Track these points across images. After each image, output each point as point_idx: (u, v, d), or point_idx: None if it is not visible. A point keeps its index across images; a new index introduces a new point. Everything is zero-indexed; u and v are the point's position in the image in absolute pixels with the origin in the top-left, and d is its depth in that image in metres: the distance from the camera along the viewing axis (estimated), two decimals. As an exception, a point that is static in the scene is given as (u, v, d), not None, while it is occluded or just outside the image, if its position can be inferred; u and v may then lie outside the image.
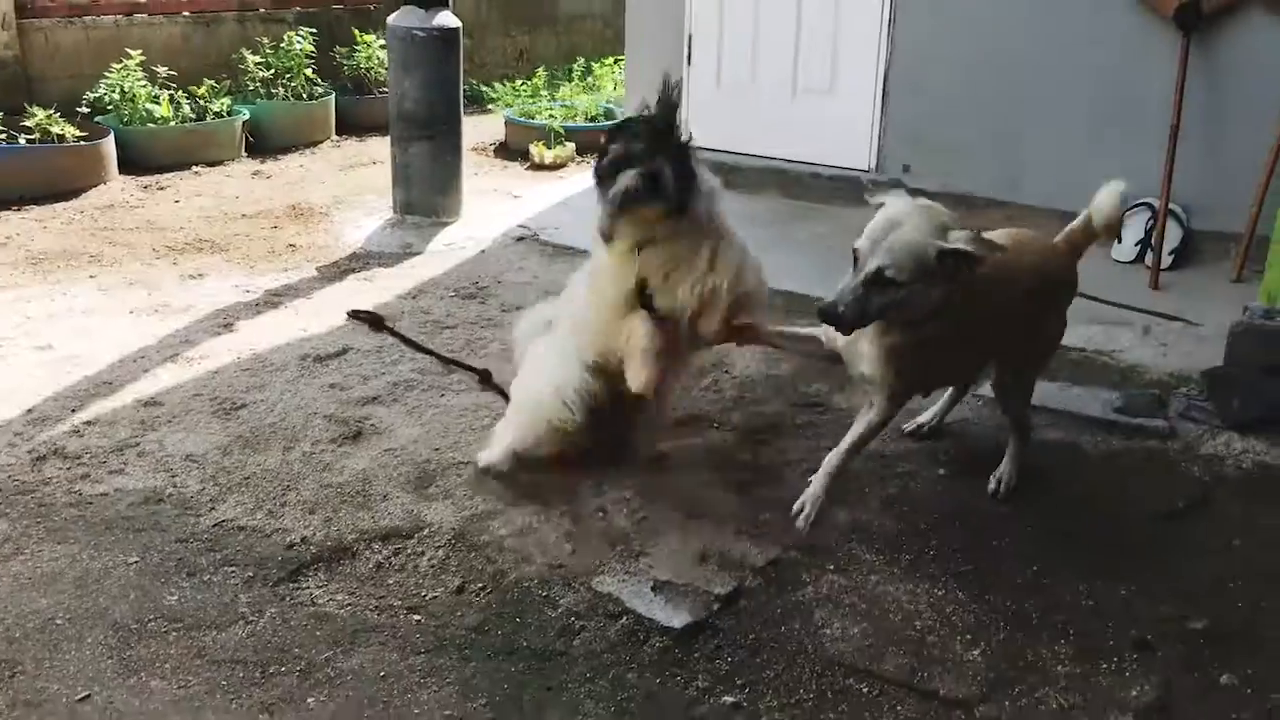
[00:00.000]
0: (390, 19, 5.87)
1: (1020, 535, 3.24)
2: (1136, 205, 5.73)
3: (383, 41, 8.51)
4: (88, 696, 2.52)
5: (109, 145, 6.89)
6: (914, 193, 6.04)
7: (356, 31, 8.83)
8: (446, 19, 5.78)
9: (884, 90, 6.51)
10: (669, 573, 2.99)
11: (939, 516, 3.32)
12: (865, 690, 2.61)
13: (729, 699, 2.57)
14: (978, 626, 2.82)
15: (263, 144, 7.84)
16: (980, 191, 6.28)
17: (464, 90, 6.20)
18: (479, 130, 8.49)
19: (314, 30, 8.43)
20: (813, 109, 6.73)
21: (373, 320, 4.62)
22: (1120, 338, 4.67)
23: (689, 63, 7.09)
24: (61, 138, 6.65)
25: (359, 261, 5.58)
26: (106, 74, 7.27)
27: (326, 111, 8.33)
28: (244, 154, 7.70)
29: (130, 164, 7.07)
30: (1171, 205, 5.54)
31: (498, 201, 6.77)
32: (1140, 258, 5.67)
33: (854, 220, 5.42)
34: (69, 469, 3.49)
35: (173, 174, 7.12)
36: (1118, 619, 2.86)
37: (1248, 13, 5.50)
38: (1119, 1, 5.78)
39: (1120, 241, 5.74)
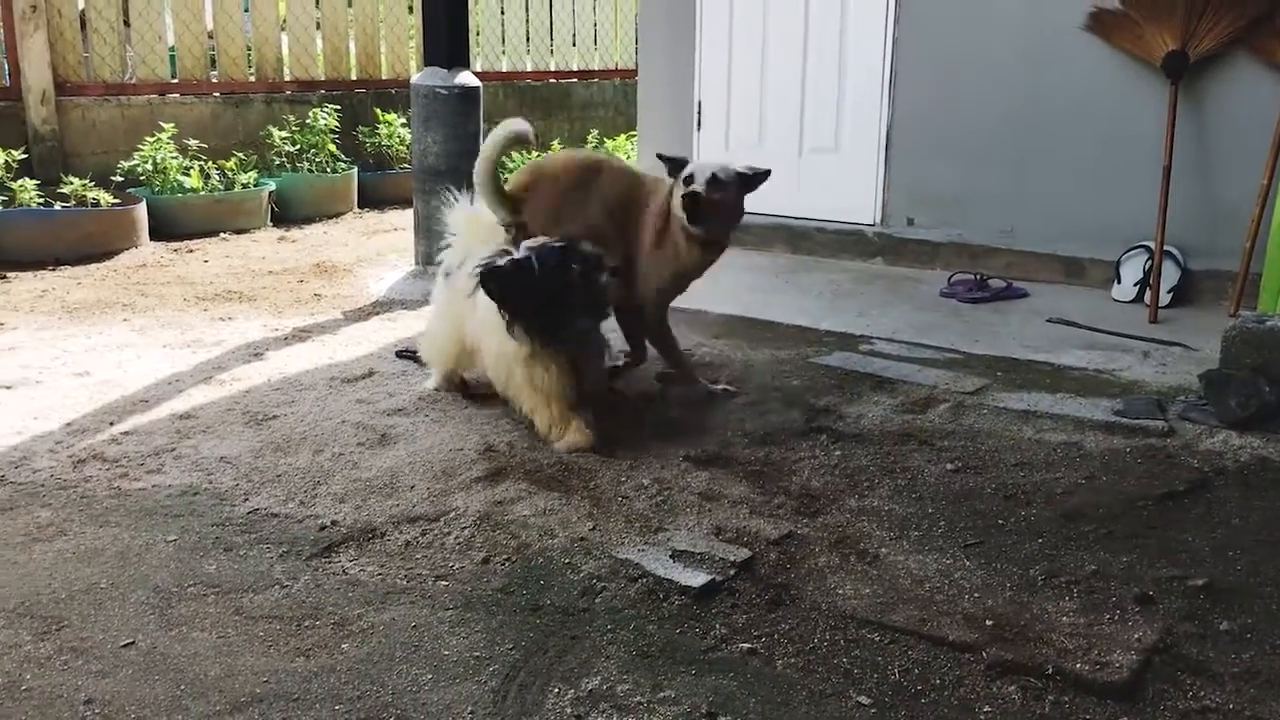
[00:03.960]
0: (414, 78, 6.18)
1: (1026, 517, 3.34)
2: (1135, 248, 5.93)
3: (404, 120, 8.89)
4: (131, 643, 2.63)
5: (141, 211, 7.18)
6: (919, 243, 6.31)
7: (378, 111, 9.21)
8: (467, 78, 6.09)
9: (887, 147, 6.78)
10: (686, 544, 3.10)
11: (947, 503, 3.44)
12: (876, 639, 2.70)
13: (745, 646, 2.66)
14: (984, 587, 2.92)
15: (287, 214, 8.15)
16: (982, 241, 6.49)
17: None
18: (496, 202, 8.76)
19: (338, 108, 8.78)
20: (819, 167, 6.99)
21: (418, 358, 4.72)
22: (1120, 360, 4.82)
23: (699, 127, 7.39)
24: (96, 203, 6.94)
25: (382, 307, 5.79)
26: (140, 147, 7.59)
27: (349, 185, 8.66)
28: (269, 223, 8.00)
29: (161, 231, 7.36)
30: (1168, 246, 5.73)
31: (515, 259, 7.00)
32: (1139, 298, 5.83)
33: (859, 270, 5.76)
34: (108, 470, 3.64)
35: (201, 240, 7.41)
36: (1120, 579, 2.95)
37: (1233, 60, 5.77)
38: (1109, 53, 6.06)
39: (1120, 282, 5.92)
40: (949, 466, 3.70)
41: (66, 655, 2.58)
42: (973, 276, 6.12)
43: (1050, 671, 2.53)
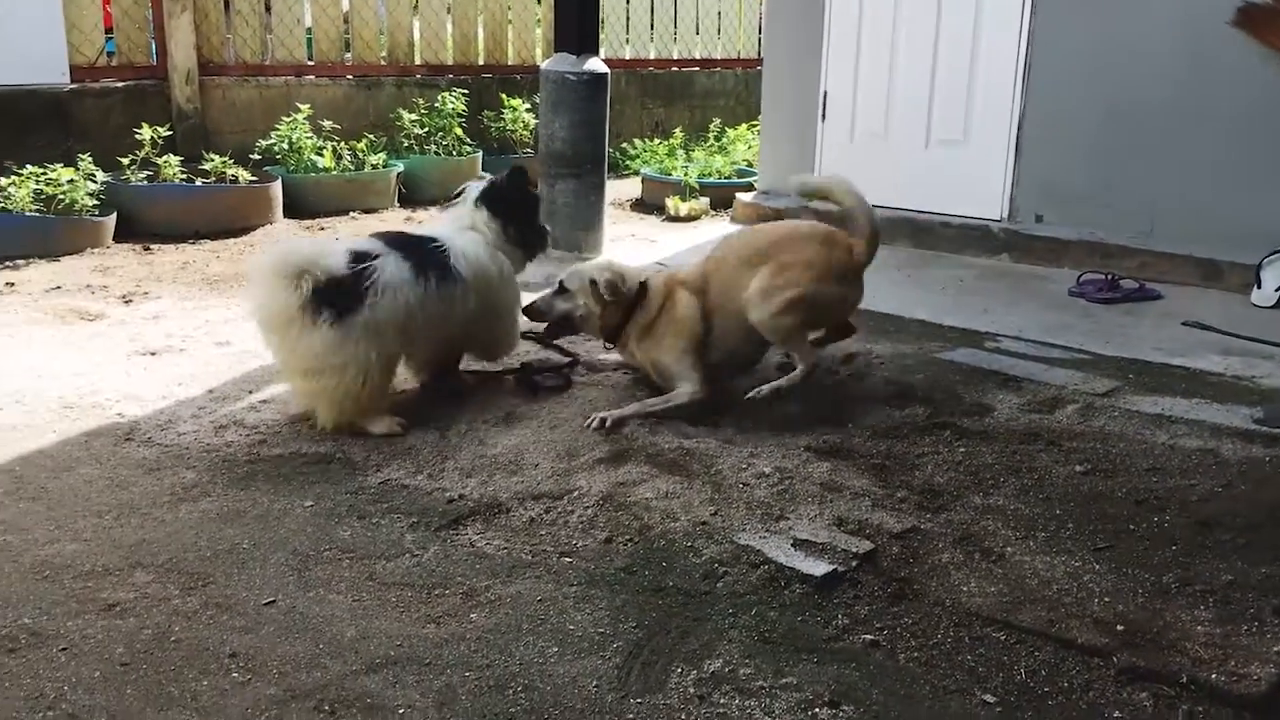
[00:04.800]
0: (544, 64, 6.27)
1: (1159, 522, 3.26)
2: (1277, 252, 5.71)
3: (528, 106, 9.01)
4: (273, 602, 2.74)
5: (276, 189, 7.42)
6: (1048, 240, 6.16)
7: (504, 96, 9.34)
8: (596, 65, 6.15)
9: (1018, 141, 6.65)
10: (808, 533, 3.10)
11: (1075, 504, 3.37)
12: (1002, 638, 2.67)
13: (867, 637, 2.66)
14: (1115, 592, 2.86)
15: (414, 195, 8.33)
16: (1115, 240, 6.32)
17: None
18: (616, 190, 8.84)
19: (465, 92, 8.94)
20: (945, 160, 6.89)
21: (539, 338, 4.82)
22: (1259, 366, 4.66)
23: (823, 118, 7.34)
24: (235, 180, 7.19)
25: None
26: (276, 127, 7.84)
27: (474, 168, 8.79)
28: (396, 204, 8.19)
29: (293, 209, 7.59)
30: (1315, 250, 5.51)
31: (635, 245, 7.06)
32: (1280, 303, 5.62)
33: (984, 267, 5.62)
34: (247, 436, 3.79)
35: (331, 218, 7.62)
36: (1258, 590, 2.87)
37: (1390, 58, 5.50)
38: (1257, 47, 5.83)
39: (1260, 287, 5.71)
40: (1078, 468, 3.63)
41: (212, 610, 2.70)
42: (1103, 276, 5.96)
43: (1184, 680, 2.47)
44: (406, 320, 3.74)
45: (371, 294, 3.64)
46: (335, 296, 3.61)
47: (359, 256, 3.71)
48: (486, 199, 4.16)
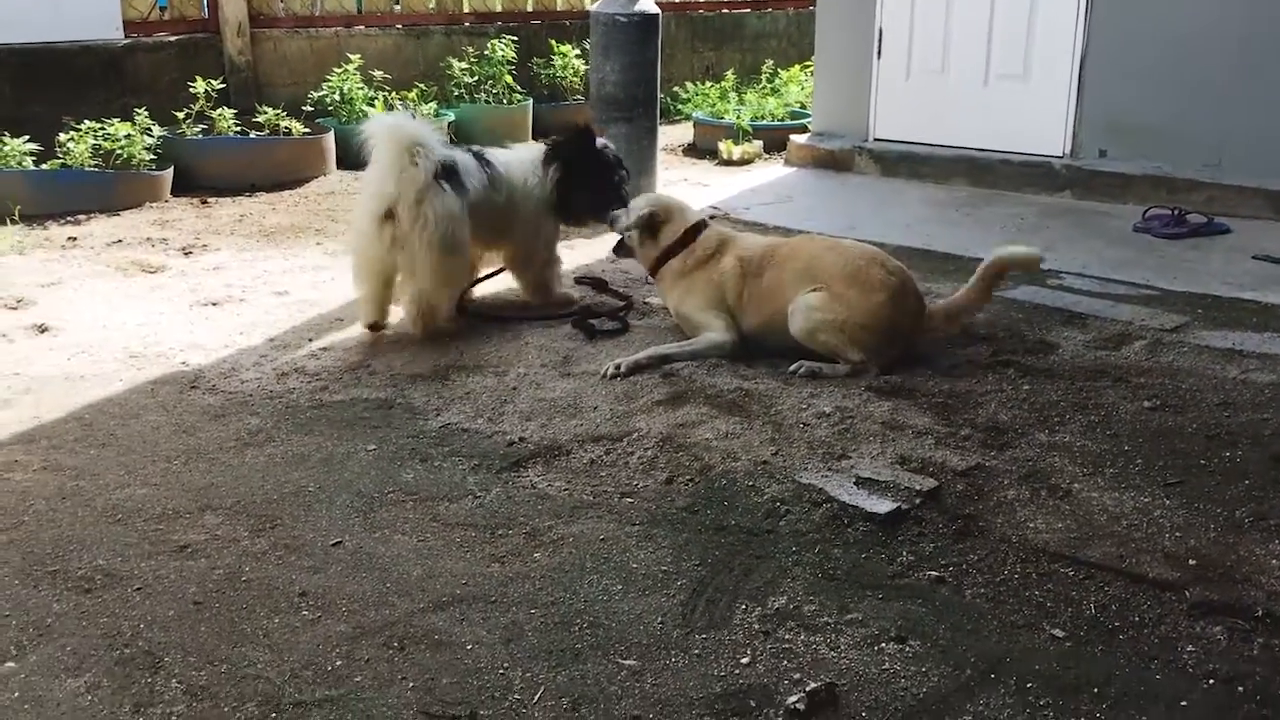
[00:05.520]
0: (593, 6, 6.19)
1: (1231, 458, 3.19)
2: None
3: (578, 52, 8.93)
4: (339, 543, 2.78)
5: (329, 141, 7.43)
6: (1111, 176, 6.07)
7: (553, 43, 9.26)
8: (647, 5, 6.06)
9: (1080, 73, 6.48)
10: (870, 472, 3.08)
11: (1144, 440, 3.31)
12: (1070, 573, 2.64)
13: (933, 573, 2.64)
14: (1186, 526, 2.82)
15: (466, 145, 8.29)
16: (1180, 173, 6.17)
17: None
18: (668, 135, 8.74)
19: (515, 40, 8.88)
20: (1005, 96, 6.74)
21: (595, 283, 4.90)
22: (1335, 300, 4.53)
23: (879, 56, 7.20)
24: (289, 132, 7.21)
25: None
26: (328, 78, 7.84)
27: (525, 116, 8.76)
28: (449, 153, 8.16)
29: (347, 160, 7.56)
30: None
31: (689, 189, 6.99)
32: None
33: (1045, 204, 5.46)
34: (309, 383, 3.82)
35: (385, 168, 7.60)
36: (1336, 526, 2.81)
37: None
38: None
39: (1333, 219, 5.55)
40: (1146, 404, 3.56)
41: (281, 551, 2.74)
42: (1169, 211, 5.81)
43: (1260, 614, 2.43)
44: (480, 203, 4.23)
45: (464, 176, 4.15)
46: (444, 175, 4.06)
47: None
48: (547, 153, 4.50)
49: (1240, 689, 2.22)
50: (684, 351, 3.93)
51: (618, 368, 3.81)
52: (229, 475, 3.14)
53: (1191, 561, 2.64)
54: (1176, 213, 5.79)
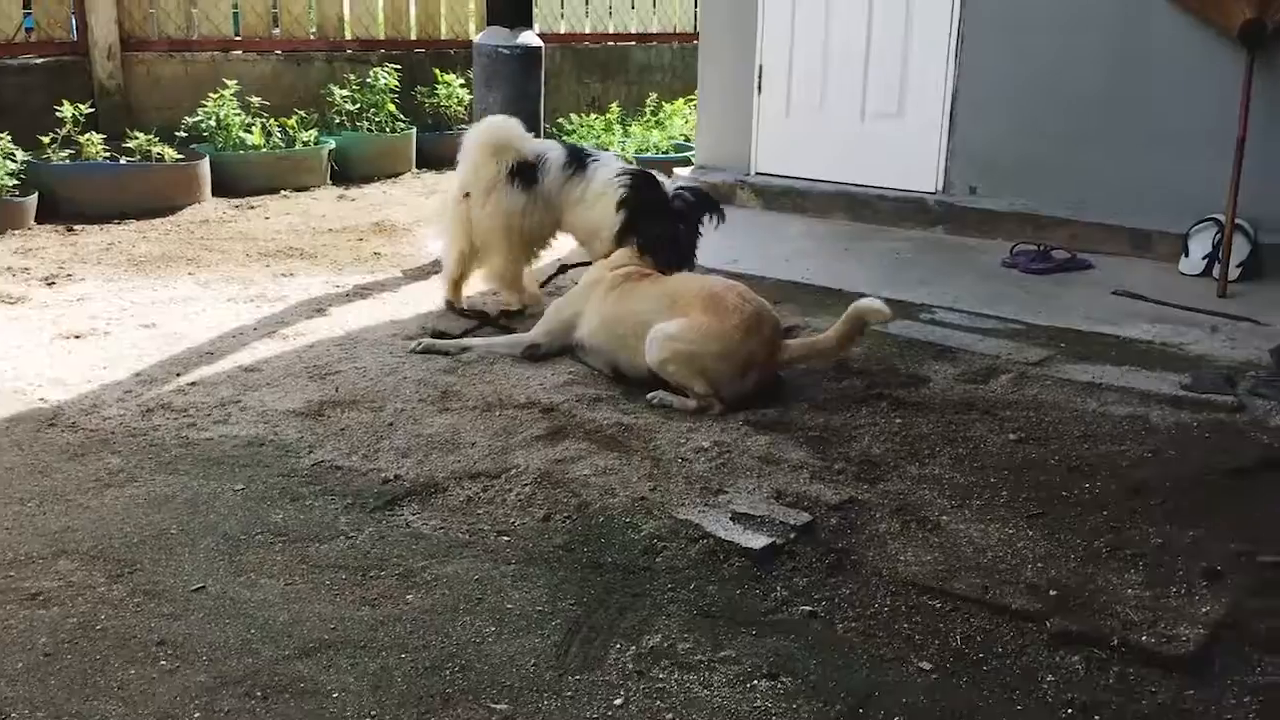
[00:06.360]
0: (477, 38, 6.18)
1: (1090, 489, 3.31)
2: (1204, 221, 5.80)
3: (462, 81, 8.89)
4: (202, 588, 2.69)
5: (204, 167, 7.25)
6: (981, 212, 6.24)
7: (437, 71, 9.21)
8: (530, 38, 6.07)
9: (951, 113, 6.68)
10: (746, 506, 3.10)
11: (1009, 473, 3.41)
12: (938, 605, 2.69)
13: (806, 608, 2.67)
14: (1048, 557, 2.90)
15: (347, 173, 8.19)
16: (1047, 211, 6.39)
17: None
18: (553, 165, 8.76)
19: (398, 67, 8.80)
20: (882, 133, 6.91)
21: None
22: (1188, 334, 4.74)
23: (759, 91, 7.32)
24: (161, 158, 7.02)
25: (441, 266, 5.80)
26: (203, 103, 7.66)
27: (408, 145, 8.69)
28: (329, 181, 8.05)
29: (222, 187, 7.42)
30: (1239, 220, 5.59)
31: (572, 221, 7.00)
32: (1208, 271, 5.70)
33: (920, 239, 5.57)
34: (176, 419, 3.70)
35: (262, 196, 7.46)
36: (1187, 554, 2.92)
37: (1312, 30, 5.61)
38: (1185, 19, 5.92)
39: (1188, 255, 5.81)
40: (1011, 436, 3.67)
41: (139, 598, 2.64)
42: (1036, 247, 6.02)
43: (1115, 643, 2.51)
44: (552, 195, 4.78)
45: (541, 171, 4.75)
46: (522, 171, 4.71)
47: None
48: (627, 185, 4.63)
49: (1097, 718, 2.29)
50: (482, 344, 4.42)
51: (418, 345, 4.34)
52: (87, 518, 3.02)
53: (1052, 592, 2.72)
54: (1042, 249, 6.00)
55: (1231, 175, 5.52)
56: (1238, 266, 5.61)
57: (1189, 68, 5.94)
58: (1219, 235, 5.66)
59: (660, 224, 4.48)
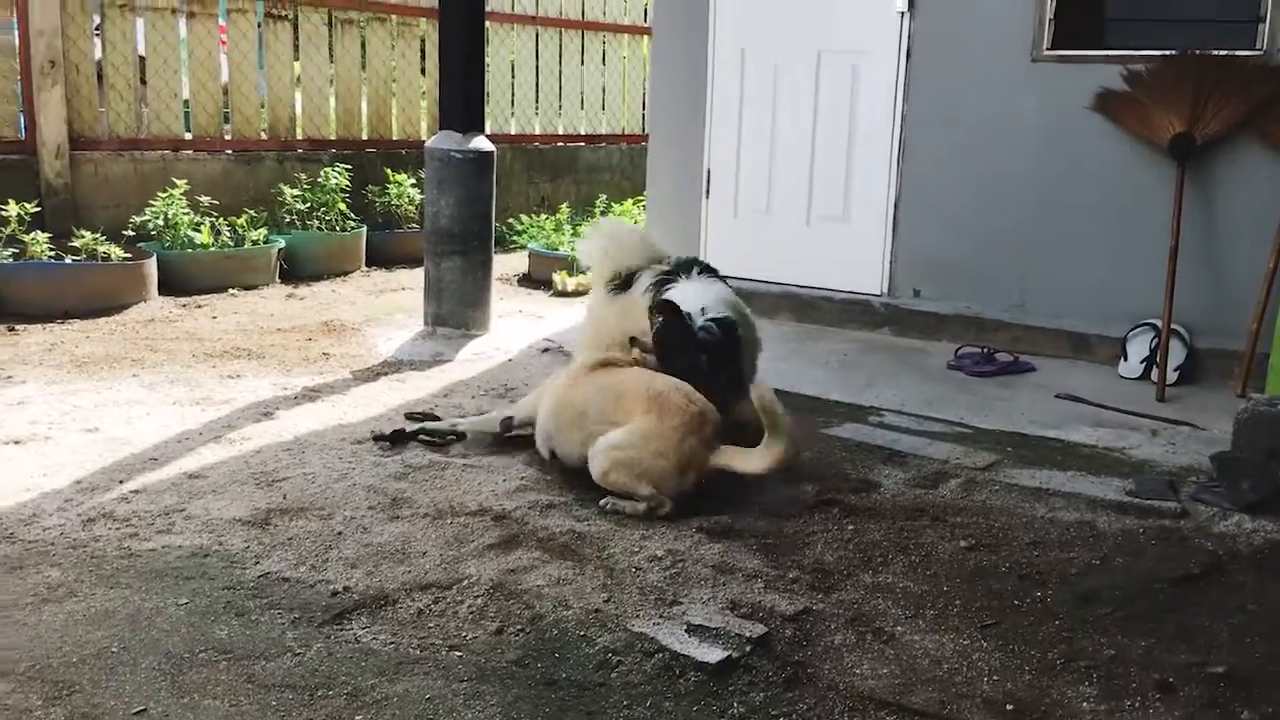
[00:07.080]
0: (429, 142, 6.25)
1: (1042, 597, 3.33)
2: (1141, 325, 5.96)
3: (413, 180, 8.97)
4: (143, 711, 2.60)
5: (151, 266, 7.20)
6: (926, 315, 6.40)
7: (388, 171, 9.28)
8: (481, 143, 6.16)
9: (894, 218, 6.84)
10: (702, 618, 3.08)
11: (961, 581, 3.42)
12: (896, 721, 2.68)
13: (764, 725, 2.64)
14: (1003, 670, 2.90)
15: (296, 271, 8.18)
16: (989, 314, 6.53)
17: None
18: (503, 265, 8.80)
19: (349, 167, 8.86)
20: (827, 236, 7.05)
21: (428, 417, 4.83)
22: (1129, 438, 4.83)
23: (707, 195, 7.46)
24: (107, 257, 6.97)
25: (391, 367, 5.79)
26: (151, 202, 7.64)
27: (358, 243, 8.70)
28: (278, 280, 8.02)
29: (170, 286, 7.37)
30: (1175, 325, 5.75)
31: (523, 320, 7.04)
32: (1146, 375, 5.83)
33: (866, 340, 5.61)
34: (118, 529, 3.62)
35: (210, 295, 7.42)
36: (1139, 665, 2.94)
37: (1239, 144, 5.85)
38: (1117, 133, 6.14)
39: (1126, 359, 5.95)
40: (962, 544, 3.69)
41: (77, 722, 2.55)
42: (980, 349, 6.14)
43: (1073, 760, 2.51)
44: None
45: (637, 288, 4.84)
46: (621, 283, 4.93)
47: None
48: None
49: (1057, 838, 2.28)
50: (466, 424, 4.59)
51: (383, 434, 4.47)
52: (23, 635, 2.92)
53: (1009, 706, 2.72)
54: (986, 351, 6.12)
55: (1166, 282, 5.70)
56: (1175, 370, 5.74)
57: (1123, 177, 6.16)
58: (1156, 340, 5.82)
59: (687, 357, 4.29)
